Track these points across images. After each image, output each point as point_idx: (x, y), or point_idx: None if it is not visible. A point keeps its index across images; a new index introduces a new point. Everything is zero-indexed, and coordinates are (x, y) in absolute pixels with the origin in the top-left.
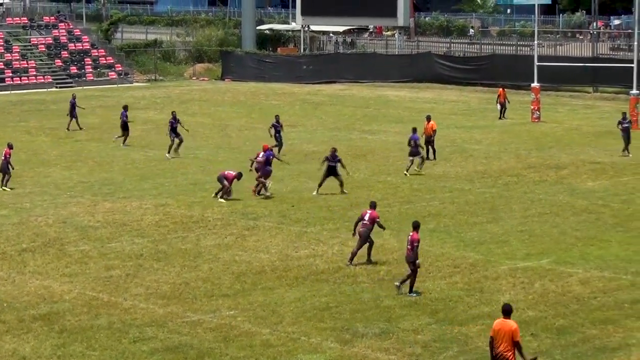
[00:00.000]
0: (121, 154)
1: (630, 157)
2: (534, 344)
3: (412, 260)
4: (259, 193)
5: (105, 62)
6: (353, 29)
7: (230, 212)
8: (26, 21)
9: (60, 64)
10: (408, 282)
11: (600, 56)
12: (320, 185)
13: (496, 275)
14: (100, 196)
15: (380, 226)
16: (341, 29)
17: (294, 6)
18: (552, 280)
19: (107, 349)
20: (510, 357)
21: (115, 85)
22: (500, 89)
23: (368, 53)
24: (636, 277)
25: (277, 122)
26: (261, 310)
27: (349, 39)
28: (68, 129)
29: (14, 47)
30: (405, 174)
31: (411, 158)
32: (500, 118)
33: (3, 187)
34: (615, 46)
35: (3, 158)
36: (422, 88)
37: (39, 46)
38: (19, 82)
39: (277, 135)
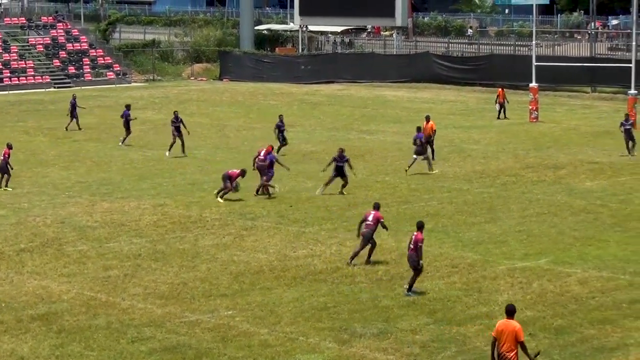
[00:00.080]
0: (119, 154)
1: (630, 158)
2: (532, 344)
3: (415, 260)
4: (258, 192)
5: (103, 62)
6: (351, 29)
7: (229, 212)
8: (24, 21)
9: (59, 64)
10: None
11: (598, 56)
12: (327, 185)
13: (494, 275)
14: (99, 196)
15: (384, 227)
16: (339, 29)
17: (292, 6)
18: (551, 280)
19: (105, 349)
20: (513, 358)
21: (114, 86)
22: (500, 89)
23: (366, 53)
24: (634, 277)
25: (281, 121)
26: (259, 310)
27: (347, 39)
28: (67, 128)
29: (12, 47)
30: (406, 171)
31: (415, 157)
32: (498, 118)
33: (5, 187)
34: (614, 46)
35: (2, 158)
36: (420, 88)
37: (37, 46)
38: (17, 82)
39: (280, 135)
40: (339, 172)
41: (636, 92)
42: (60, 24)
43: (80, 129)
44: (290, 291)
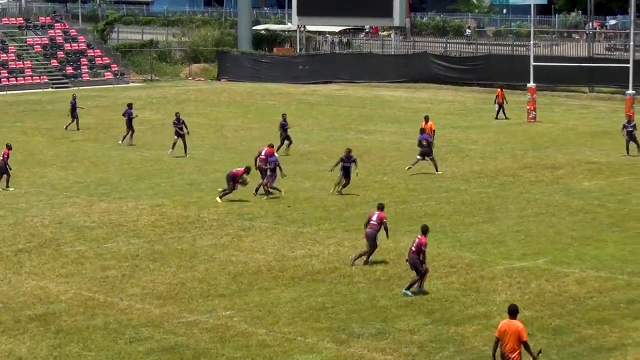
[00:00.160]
0: (117, 154)
1: (628, 158)
2: (530, 344)
3: (416, 263)
4: (257, 191)
5: (101, 62)
6: (349, 29)
7: (226, 213)
8: (22, 21)
9: (56, 64)
10: (416, 284)
11: (596, 56)
12: (338, 184)
13: (492, 275)
14: (96, 196)
15: (386, 229)
16: (337, 29)
17: (289, 6)
18: (548, 280)
19: (103, 350)
20: (516, 358)
21: (111, 86)
22: (499, 90)
23: (364, 53)
24: (632, 277)
25: (285, 120)
26: (257, 310)
27: (345, 39)
28: (66, 128)
29: (9, 47)
30: (408, 168)
31: (419, 157)
32: (496, 118)
33: (6, 187)
34: (611, 46)
35: (1, 158)
36: (418, 88)
37: (35, 46)
38: (15, 82)
39: (284, 134)
40: (346, 172)
41: (634, 92)
42: (58, 24)
43: (78, 129)
44: (288, 291)
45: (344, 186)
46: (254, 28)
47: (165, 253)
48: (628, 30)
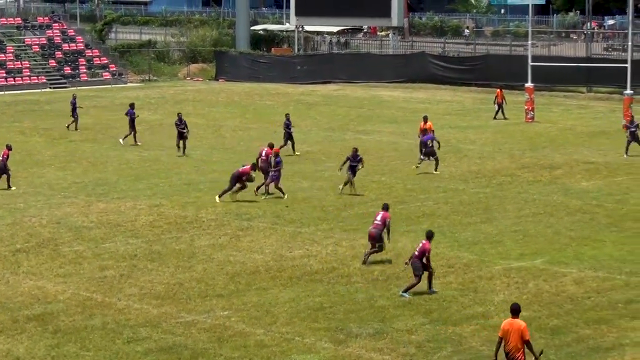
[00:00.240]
0: (115, 154)
1: (626, 158)
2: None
3: (417, 267)
4: (257, 190)
5: (99, 62)
6: (347, 29)
7: (224, 213)
8: (20, 21)
9: (54, 64)
10: (413, 287)
11: (594, 56)
12: (345, 184)
13: (490, 275)
14: (94, 196)
15: (388, 231)
16: (335, 29)
17: (287, 6)
18: (546, 280)
19: (101, 350)
20: (520, 356)
21: (110, 86)
22: (498, 90)
23: (362, 53)
24: (630, 277)
25: (288, 120)
26: (255, 310)
27: (343, 39)
28: (68, 127)
29: (7, 47)
30: (417, 167)
31: (423, 157)
32: (495, 118)
33: (9, 187)
34: (609, 46)
35: (1, 159)
36: (416, 88)
37: (33, 46)
38: (13, 82)
39: (287, 134)
40: (353, 171)
41: (632, 92)
42: (56, 24)
43: (77, 129)
44: (286, 291)
45: (346, 184)
46: (252, 28)
47: (163, 253)
48: (626, 31)
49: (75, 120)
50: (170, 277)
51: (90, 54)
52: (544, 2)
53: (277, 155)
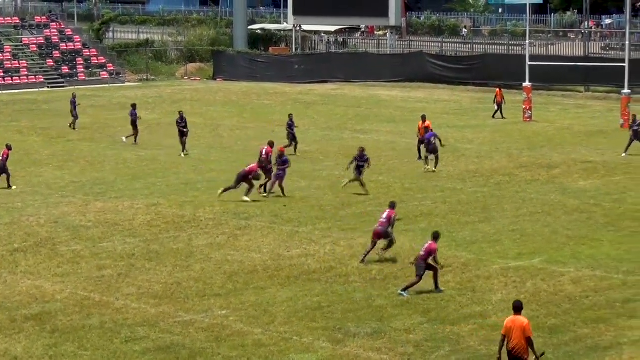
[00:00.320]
0: (113, 153)
1: (624, 157)
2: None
3: (420, 267)
4: (261, 188)
5: (97, 62)
6: (345, 28)
7: (222, 212)
8: (18, 21)
9: (52, 63)
10: (412, 287)
11: (592, 55)
12: (351, 181)
13: (488, 274)
14: (92, 196)
15: (391, 227)
16: (333, 28)
17: (285, 6)
18: (544, 279)
19: (99, 349)
20: (524, 354)
21: (107, 85)
22: (497, 89)
23: (360, 53)
24: (627, 276)
25: (291, 120)
26: (253, 310)
27: (340, 39)
28: (70, 125)
29: (5, 47)
30: (425, 168)
31: (427, 155)
32: (493, 117)
33: (10, 187)
34: (607, 45)
35: (1, 158)
36: (414, 87)
37: (31, 46)
38: (11, 82)
39: (290, 134)
40: (359, 171)
41: (630, 91)
42: (54, 23)
43: (74, 128)
44: (284, 291)
45: (352, 181)
46: (249, 27)
47: (161, 252)
48: (624, 30)
49: (74, 120)
50: (168, 276)
51: (88, 54)
52: (541, 2)
53: (282, 154)
